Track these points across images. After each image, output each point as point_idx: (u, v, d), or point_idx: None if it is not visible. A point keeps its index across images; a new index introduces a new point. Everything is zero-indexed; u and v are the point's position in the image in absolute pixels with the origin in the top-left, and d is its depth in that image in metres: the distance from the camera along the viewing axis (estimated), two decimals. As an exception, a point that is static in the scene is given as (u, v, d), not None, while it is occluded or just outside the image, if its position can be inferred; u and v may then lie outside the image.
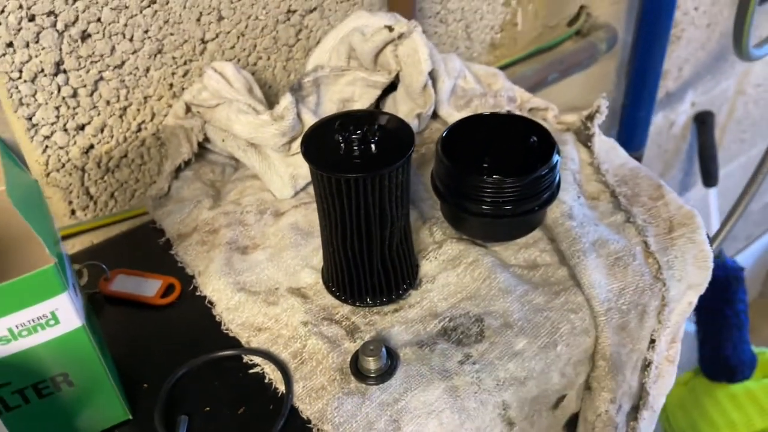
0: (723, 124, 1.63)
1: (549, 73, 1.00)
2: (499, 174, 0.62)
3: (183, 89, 0.71)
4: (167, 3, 0.66)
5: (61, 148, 0.67)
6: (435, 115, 0.75)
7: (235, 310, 0.58)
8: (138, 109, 0.70)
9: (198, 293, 0.60)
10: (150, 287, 0.60)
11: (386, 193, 0.50)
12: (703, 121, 1.51)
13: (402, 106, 0.72)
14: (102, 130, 0.68)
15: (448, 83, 0.73)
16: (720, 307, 1.63)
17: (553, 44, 1.02)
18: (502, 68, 0.98)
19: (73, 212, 0.71)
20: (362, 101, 0.70)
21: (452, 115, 0.74)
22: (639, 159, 1.27)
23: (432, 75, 0.73)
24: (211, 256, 0.62)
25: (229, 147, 0.68)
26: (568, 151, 0.69)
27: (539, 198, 0.57)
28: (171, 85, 0.70)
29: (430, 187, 0.62)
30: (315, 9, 0.76)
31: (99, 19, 0.63)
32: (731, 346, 1.41)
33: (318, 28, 0.77)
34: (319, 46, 0.71)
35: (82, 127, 0.67)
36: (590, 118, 0.73)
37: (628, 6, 1.10)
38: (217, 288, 0.59)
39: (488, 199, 0.57)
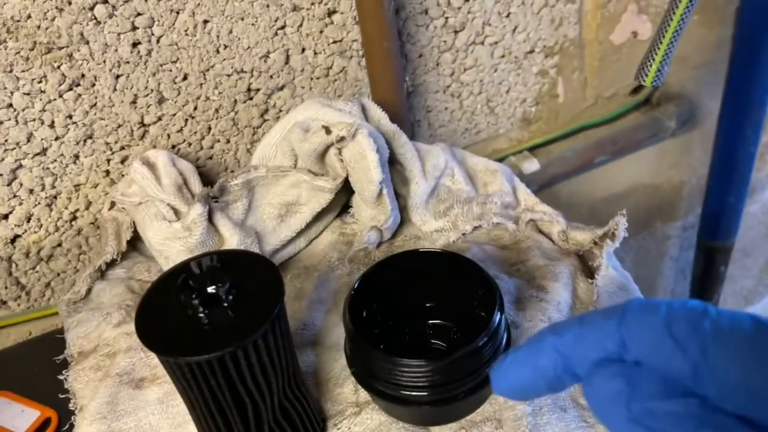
0: None
1: (596, 155, 0.82)
2: (425, 335, 0.49)
3: (122, 175, 0.63)
4: (93, 86, 0.58)
5: (-21, 238, 0.61)
6: (409, 219, 0.62)
7: (98, 469, 0.48)
8: (69, 198, 0.62)
9: (71, 435, 0.51)
10: (24, 420, 0.52)
11: (235, 376, 0.38)
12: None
13: (363, 212, 0.60)
14: (28, 220, 0.62)
15: (423, 185, 0.60)
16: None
17: (606, 119, 0.84)
18: (536, 147, 0.82)
19: (3, 302, 0.65)
20: (311, 205, 0.58)
21: (428, 222, 0.60)
22: (727, 251, 1.05)
23: (404, 174, 0.60)
24: (98, 388, 0.53)
25: (153, 252, 0.58)
26: (556, 292, 0.53)
27: (468, 382, 0.43)
28: (107, 172, 0.63)
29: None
30: (283, 87, 0.65)
31: (10, 105, 0.56)
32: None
33: (289, 107, 0.67)
34: (264, 138, 0.60)
35: (5, 217, 0.61)
36: (603, 239, 0.57)
37: (713, 71, 0.89)
38: (86, 435, 0.50)
39: (402, 383, 0.43)
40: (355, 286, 0.45)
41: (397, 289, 0.48)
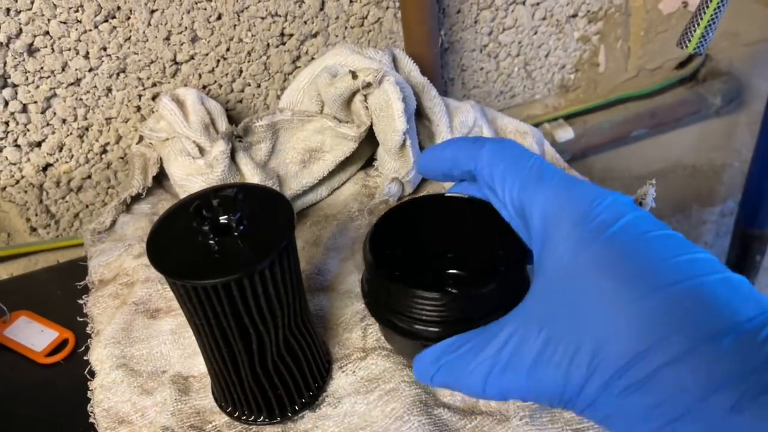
0: None
1: (633, 128, 0.80)
2: (443, 281, 0.48)
3: (153, 112, 0.64)
4: (128, 19, 0.58)
5: (12, 164, 0.62)
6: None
7: (108, 390, 0.49)
8: (100, 131, 0.63)
9: (86, 357, 0.52)
10: (43, 339, 0.54)
11: (240, 305, 0.38)
12: None
13: (386, 164, 0.59)
14: (60, 149, 0.63)
15: (449, 141, 0.59)
16: None
17: (648, 92, 0.81)
18: (573, 116, 0.80)
19: (33, 229, 0.67)
20: (334, 153, 0.58)
21: (452, 179, 0.60)
22: (765, 239, 1.01)
23: (431, 129, 0.59)
24: (114, 315, 0.54)
25: (175, 188, 0.59)
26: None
27: (489, 319, 0.41)
28: (138, 107, 0.63)
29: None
30: (317, 34, 0.65)
31: (47, 33, 0.57)
32: None
33: (321, 56, 0.66)
34: (293, 82, 0.60)
35: (37, 144, 0.62)
36: (630, 209, 0.55)
37: (766, 49, 0.86)
38: (100, 357, 0.51)
39: (419, 317, 0.42)
40: (378, 221, 0.44)
41: (418, 233, 0.47)
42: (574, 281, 0.30)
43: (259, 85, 0.66)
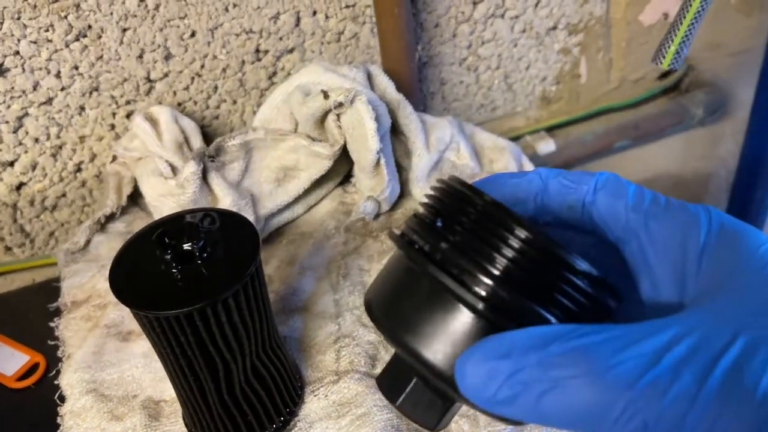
0: None
1: (616, 139, 0.80)
2: None
3: (127, 130, 0.63)
4: (99, 38, 0.57)
5: (-15, 184, 0.62)
6: (409, 193, 0.61)
7: (78, 416, 0.48)
8: (74, 149, 0.63)
9: (57, 381, 0.52)
10: (13, 363, 0.53)
11: (204, 334, 0.38)
12: None
13: (362, 182, 0.59)
14: (33, 168, 0.62)
15: (426, 158, 0.59)
16: None
17: (630, 103, 0.81)
18: (555, 128, 0.80)
19: (8, 249, 0.66)
20: (309, 171, 0.57)
21: (430, 196, 0.59)
22: (751, 248, 1.01)
23: (407, 146, 0.59)
24: (86, 338, 0.53)
25: (149, 207, 0.58)
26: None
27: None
28: (112, 125, 0.63)
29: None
30: (293, 50, 0.64)
31: (17, 53, 0.56)
32: None
33: (298, 71, 0.65)
34: (267, 100, 0.59)
35: (10, 164, 0.61)
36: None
37: (750, 59, 0.85)
38: (70, 382, 0.50)
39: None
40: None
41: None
42: None
43: (235, 102, 0.66)
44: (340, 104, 0.51)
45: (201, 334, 0.38)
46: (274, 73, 0.65)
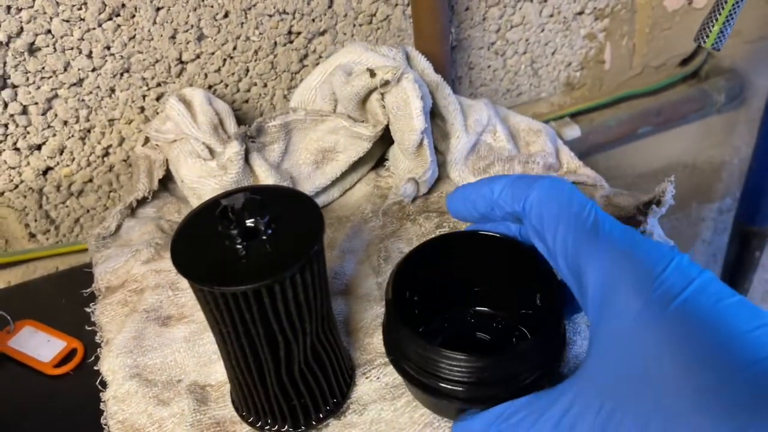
0: None
1: (639, 125, 0.80)
2: (470, 321, 0.46)
3: (157, 113, 0.62)
4: (132, 17, 0.56)
5: (12, 168, 0.60)
6: (447, 176, 0.60)
7: (122, 402, 0.47)
8: (102, 133, 0.61)
9: (97, 367, 0.50)
10: (50, 349, 0.52)
11: (269, 311, 0.37)
12: None
13: (400, 164, 0.58)
14: (61, 152, 0.61)
15: (464, 140, 0.58)
16: None
17: (653, 89, 0.81)
18: (579, 114, 0.80)
19: (32, 236, 0.65)
20: (348, 153, 0.57)
21: (467, 179, 0.59)
22: (764, 236, 1.02)
23: (445, 129, 0.58)
24: (125, 323, 0.52)
25: (185, 190, 0.57)
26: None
27: (521, 380, 0.38)
28: (142, 108, 0.61)
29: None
30: (325, 32, 0.63)
31: (49, 31, 0.55)
32: None
33: (330, 53, 0.65)
34: (305, 81, 0.59)
35: (38, 147, 0.60)
36: (648, 206, 0.55)
37: (766, 47, 0.86)
38: (112, 368, 0.49)
39: (437, 374, 0.39)
40: (401, 265, 0.43)
41: (444, 271, 0.45)
42: (640, 354, 0.28)
43: (265, 85, 0.65)
44: (387, 82, 0.50)
45: (267, 311, 0.37)
46: (305, 56, 0.64)
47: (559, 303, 0.40)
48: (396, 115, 0.52)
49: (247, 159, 0.52)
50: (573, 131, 0.76)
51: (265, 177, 0.52)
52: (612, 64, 0.79)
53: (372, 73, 0.50)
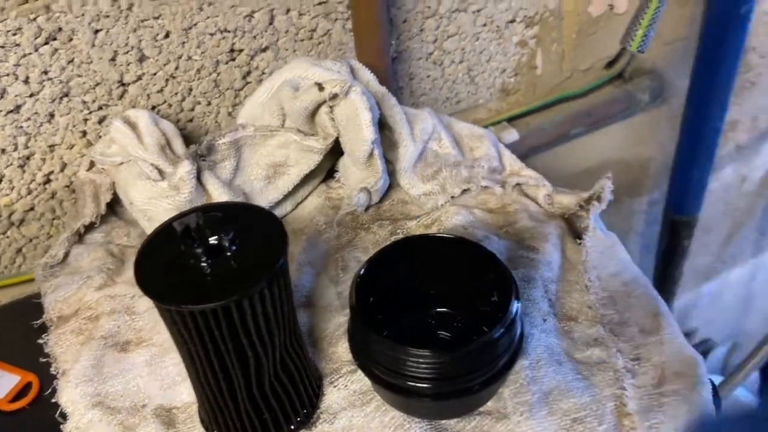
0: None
1: (572, 126, 0.84)
2: (431, 322, 0.48)
3: (100, 137, 0.61)
4: (70, 40, 0.55)
5: (-53, 200, 0.58)
6: (397, 183, 0.62)
7: (85, 431, 0.46)
8: (43, 159, 0.60)
9: (55, 399, 0.49)
10: (3, 385, 0.50)
11: (239, 327, 0.37)
12: (783, 178, 1.29)
13: (351, 175, 0.59)
14: (-1, 181, 0.59)
15: (412, 149, 0.60)
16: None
17: (582, 92, 0.85)
18: (515, 118, 0.83)
19: (-29, 269, 0.62)
20: (299, 166, 0.57)
21: (416, 186, 0.60)
22: (692, 225, 1.08)
23: (393, 138, 0.60)
24: (81, 352, 0.51)
25: (135, 213, 0.57)
26: (547, 251, 0.54)
27: (483, 373, 0.42)
28: (84, 132, 0.60)
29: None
30: (267, 48, 0.64)
31: (-18, 58, 0.53)
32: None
33: (272, 69, 0.65)
34: (251, 97, 0.59)
35: (-26, 178, 0.58)
36: (589, 202, 0.58)
37: (684, 47, 0.91)
38: (71, 398, 0.48)
39: (405, 373, 0.41)
40: (362, 272, 0.44)
41: (403, 275, 0.47)
42: None
43: (209, 103, 0.65)
44: (335, 95, 0.51)
45: (237, 327, 0.37)
46: (248, 72, 0.65)
47: (514, 298, 0.42)
48: (346, 127, 0.53)
49: (198, 178, 0.52)
50: (511, 135, 0.79)
51: (218, 194, 0.52)
52: (543, 69, 0.83)
53: (320, 87, 0.51)
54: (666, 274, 1.17)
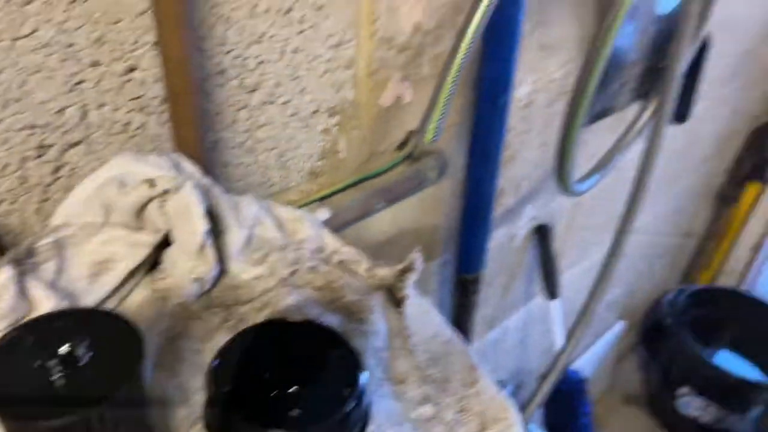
0: (563, 233, 1.65)
1: (374, 202, 0.92)
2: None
3: None
4: None
5: None
6: (227, 270, 0.63)
7: None
8: None
9: None
10: None
11: (98, 436, 0.37)
12: (543, 235, 1.52)
13: (180, 265, 0.60)
14: None
15: (239, 235, 0.62)
16: (565, 422, 1.60)
17: (379, 172, 0.94)
18: (324, 198, 0.89)
19: None
20: (127, 262, 0.57)
21: (246, 270, 0.63)
22: (478, 281, 1.22)
23: (219, 226, 0.62)
24: None
25: (-65, 327, 0.51)
26: (374, 321, 0.59)
27: None
28: None
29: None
30: (79, 142, 0.63)
31: None
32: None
33: (85, 164, 0.64)
34: (71, 195, 0.58)
35: None
36: (404, 273, 0.65)
37: (460, 130, 1.06)
38: None
39: None
40: (214, 364, 0.46)
41: (260, 365, 0.49)
42: None
43: (14, 201, 0.61)
44: (167, 191, 0.53)
45: (96, 436, 0.36)
46: (59, 168, 0.63)
47: (360, 370, 0.46)
48: (177, 220, 0.55)
49: (20, 282, 0.50)
50: (323, 214, 0.85)
51: (44, 298, 0.50)
52: (346, 153, 0.91)
53: (152, 183, 0.52)
54: (461, 327, 1.30)
